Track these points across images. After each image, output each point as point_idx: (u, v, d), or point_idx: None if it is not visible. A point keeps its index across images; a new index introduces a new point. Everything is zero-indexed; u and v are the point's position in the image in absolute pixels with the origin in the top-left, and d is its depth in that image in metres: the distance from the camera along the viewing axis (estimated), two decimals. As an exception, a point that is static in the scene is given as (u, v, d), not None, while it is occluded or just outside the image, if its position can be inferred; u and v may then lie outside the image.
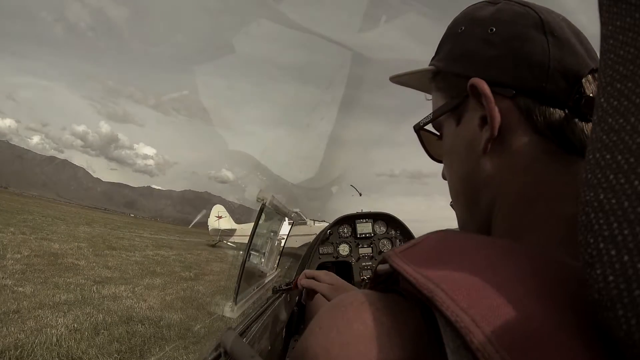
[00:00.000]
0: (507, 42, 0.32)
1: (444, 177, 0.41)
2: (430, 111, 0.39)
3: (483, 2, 0.36)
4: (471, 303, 0.17)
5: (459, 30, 0.36)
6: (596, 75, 0.28)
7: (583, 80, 0.30)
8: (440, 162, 0.42)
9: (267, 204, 0.59)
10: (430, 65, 0.39)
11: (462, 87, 0.33)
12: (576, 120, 0.30)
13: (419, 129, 0.41)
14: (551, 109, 0.30)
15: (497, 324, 0.16)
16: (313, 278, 0.83)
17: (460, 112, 0.35)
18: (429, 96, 0.41)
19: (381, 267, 0.27)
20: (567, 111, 0.30)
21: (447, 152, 0.38)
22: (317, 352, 0.22)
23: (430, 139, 0.42)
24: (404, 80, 0.43)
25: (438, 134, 0.41)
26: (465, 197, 0.36)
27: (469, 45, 0.34)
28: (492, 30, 0.33)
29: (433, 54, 0.40)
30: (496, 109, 0.31)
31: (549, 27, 0.31)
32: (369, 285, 0.28)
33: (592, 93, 0.29)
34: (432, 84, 0.39)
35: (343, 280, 0.82)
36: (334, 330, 0.22)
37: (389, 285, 0.25)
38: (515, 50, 0.31)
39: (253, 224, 0.66)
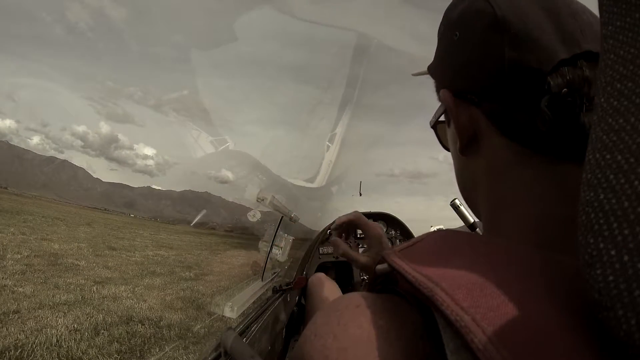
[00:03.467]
0: (468, 48, 0.31)
1: None
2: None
3: None
4: (471, 302, 0.17)
5: (440, 32, 0.35)
6: (579, 62, 0.26)
7: (550, 76, 0.26)
8: None
9: (266, 204, 0.59)
10: (428, 66, 0.39)
11: None
12: (546, 120, 0.27)
13: (434, 124, 0.40)
14: (516, 112, 0.28)
15: (498, 323, 0.16)
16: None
17: (449, 116, 0.35)
18: None
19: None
20: (533, 112, 0.27)
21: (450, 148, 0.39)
22: None
23: (446, 131, 0.42)
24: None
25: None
26: (461, 191, 0.38)
27: (442, 51, 0.35)
28: (456, 35, 0.32)
29: None
30: (461, 119, 0.31)
31: (504, 24, 0.28)
32: (367, 285, 0.28)
33: (564, 86, 0.26)
34: None
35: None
36: (330, 336, 0.21)
37: (388, 285, 0.25)
38: (474, 57, 0.30)
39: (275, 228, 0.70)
